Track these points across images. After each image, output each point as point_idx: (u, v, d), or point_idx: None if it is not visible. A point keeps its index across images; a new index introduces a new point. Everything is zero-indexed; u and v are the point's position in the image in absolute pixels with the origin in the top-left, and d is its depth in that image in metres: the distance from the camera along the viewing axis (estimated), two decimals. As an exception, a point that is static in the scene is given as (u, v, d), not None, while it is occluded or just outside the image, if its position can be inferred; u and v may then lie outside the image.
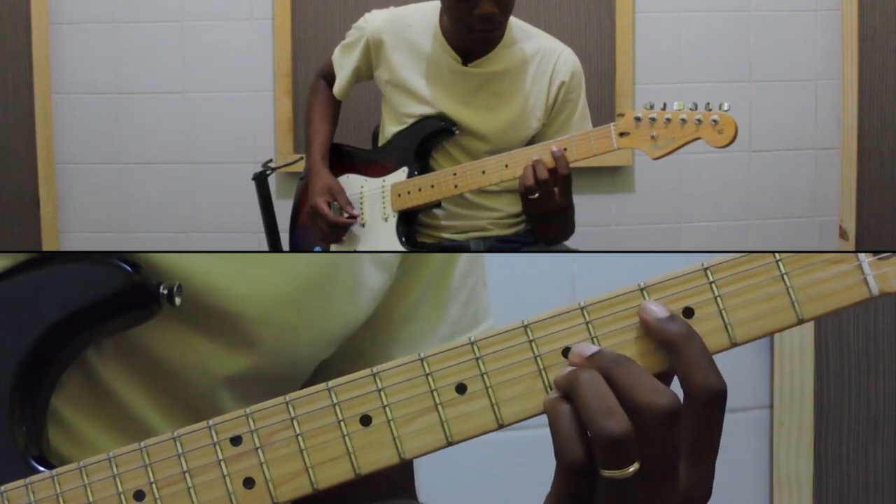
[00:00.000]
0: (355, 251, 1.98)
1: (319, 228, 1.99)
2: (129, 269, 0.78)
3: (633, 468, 0.66)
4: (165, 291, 0.77)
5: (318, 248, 2.04)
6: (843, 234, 2.89)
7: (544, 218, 1.85)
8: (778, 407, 2.26)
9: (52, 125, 2.80)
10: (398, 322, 0.93)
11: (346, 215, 1.97)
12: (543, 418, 0.70)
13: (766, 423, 2.28)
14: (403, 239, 1.94)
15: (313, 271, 0.84)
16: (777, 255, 0.69)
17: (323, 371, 0.90)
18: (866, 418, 2.28)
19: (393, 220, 1.95)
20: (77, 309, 0.78)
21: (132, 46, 2.80)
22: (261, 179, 2.22)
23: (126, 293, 0.78)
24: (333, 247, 2.03)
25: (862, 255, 0.68)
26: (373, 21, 1.99)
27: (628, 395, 0.66)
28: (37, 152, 2.80)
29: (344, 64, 2.05)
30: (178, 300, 0.78)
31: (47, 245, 2.82)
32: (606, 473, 0.67)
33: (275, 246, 2.26)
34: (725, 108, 1.62)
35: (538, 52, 1.95)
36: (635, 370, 0.67)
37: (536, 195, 1.74)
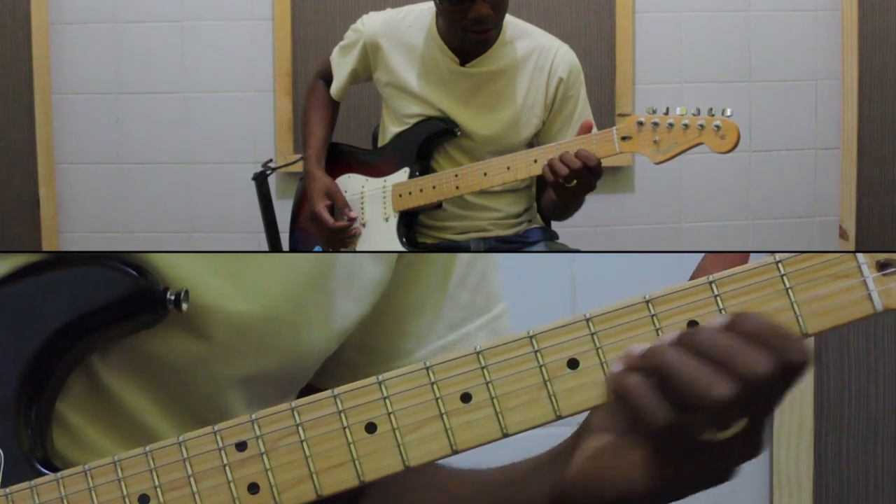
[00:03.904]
0: (356, 251, 1.98)
1: (322, 235, 1.99)
2: (135, 273, 0.78)
3: (740, 425, 0.70)
4: (172, 297, 0.77)
5: (318, 248, 2.04)
6: (843, 234, 2.90)
7: (570, 201, 1.83)
8: (778, 407, 2.26)
9: (52, 125, 2.80)
10: (405, 313, 0.93)
11: (345, 218, 1.97)
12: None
13: (766, 423, 2.27)
14: (404, 239, 1.94)
15: (311, 267, 0.84)
16: (782, 268, 0.70)
17: (333, 366, 0.90)
18: (866, 418, 2.29)
19: (394, 221, 1.96)
20: (83, 313, 0.78)
21: (132, 46, 2.80)
22: (261, 179, 2.23)
23: (133, 298, 0.78)
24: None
25: (867, 272, 0.68)
26: (370, 24, 1.99)
27: (727, 364, 0.68)
28: (37, 152, 2.79)
29: (342, 65, 2.05)
30: (184, 306, 0.78)
31: (47, 245, 2.82)
32: (717, 435, 0.70)
33: (275, 246, 2.27)
34: (728, 114, 1.61)
35: (535, 50, 1.95)
36: (719, 337, 0.69)
37: (574, 182, 1.71)
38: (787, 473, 2.26)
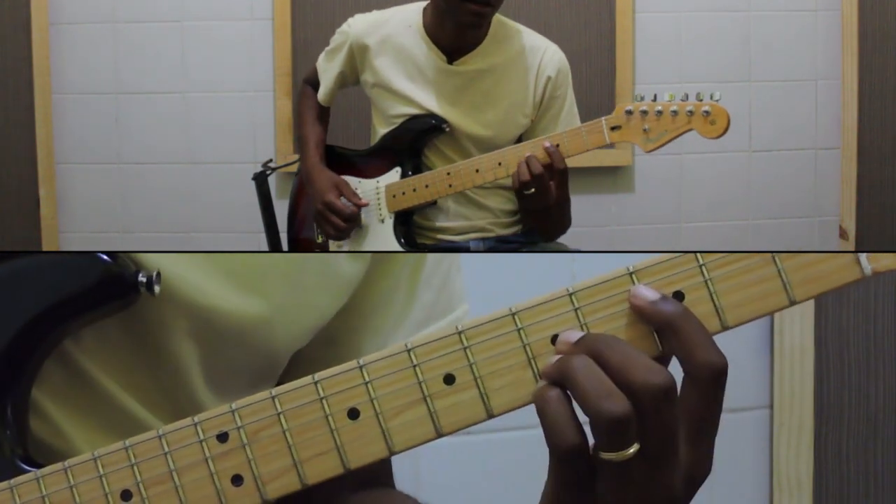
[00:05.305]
0: (355, 251, 1.97)
1: (332, 225, 1.95)
2: (106, 258, 0.78)
3: (633, 449, 0.66)
4: (144, 279, 0.77)
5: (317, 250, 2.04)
6: (843, 234, 2.89)
7: (541, 214, 1.84)
8: (778, 407, 2.25)
9: (52, 125, 2.80)
10: (372, 309, 0.92)
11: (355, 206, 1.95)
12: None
13: (766, 423, 2.27)
14: (402, 240, 1.93)
15: (286, 263, 0.84)
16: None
17: (297, 360, 0.90)
18: (866, 418, 2.28)
19: (390, 222, 1.95)
20: (55, 301, 0.77)
21: (132, 46, 2.80)
22: (261, 179, 2.22)
23: (104, 283, 0.77)
24: (332, 247, 2.02)
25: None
26: (356, 25, 1.98)
27: (622, 376, 0.66)
28: (37, 152, 2.79)
29: (328, 69, 2.04)
30: (157, 288, 0.77)
31: (47, 245, 2.82)
32: (606, 456, 0.66)
33: (275, 246, 2.26)
34: (716, 99, 1.61)
35: (523, 49, 1.94)
36: (626, 349, 0.67)
37: (532, 190, 1.74)
38: (787, 473, 2.25)
